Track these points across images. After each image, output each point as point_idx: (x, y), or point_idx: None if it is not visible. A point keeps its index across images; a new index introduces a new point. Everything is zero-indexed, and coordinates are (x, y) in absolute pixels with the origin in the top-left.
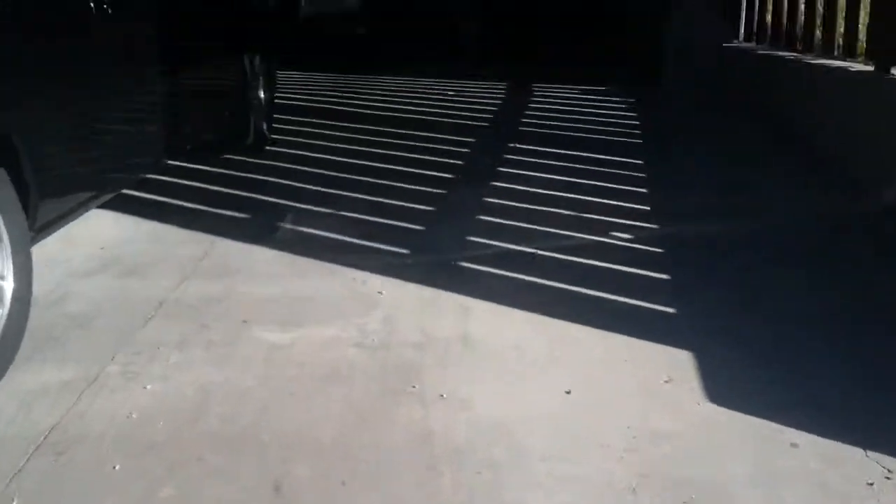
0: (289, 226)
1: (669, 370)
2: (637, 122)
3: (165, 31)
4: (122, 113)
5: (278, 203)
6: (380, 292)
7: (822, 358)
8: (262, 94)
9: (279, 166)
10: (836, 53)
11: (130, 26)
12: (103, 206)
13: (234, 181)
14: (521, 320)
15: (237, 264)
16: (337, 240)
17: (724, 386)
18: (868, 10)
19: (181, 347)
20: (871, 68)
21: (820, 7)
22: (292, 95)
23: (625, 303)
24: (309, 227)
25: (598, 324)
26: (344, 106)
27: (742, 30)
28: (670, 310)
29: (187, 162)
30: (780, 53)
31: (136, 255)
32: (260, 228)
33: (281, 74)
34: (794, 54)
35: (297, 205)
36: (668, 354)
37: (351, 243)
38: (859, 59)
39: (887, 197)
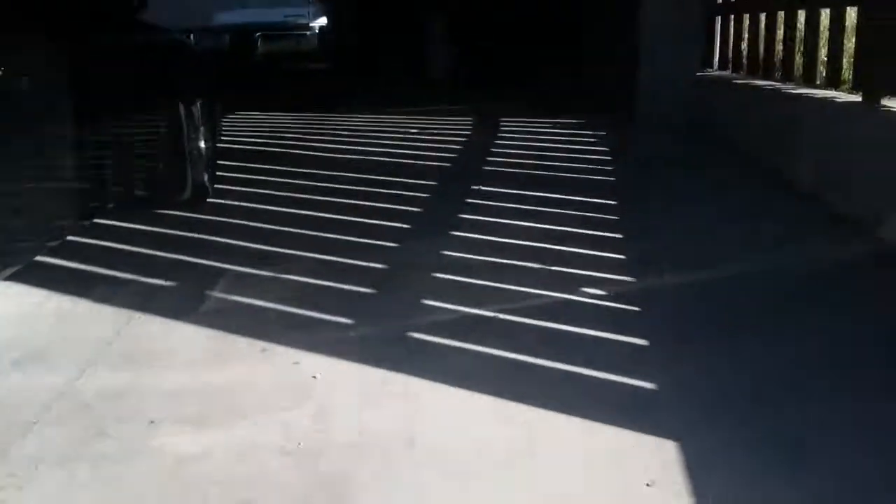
0: (220, 294)
1: (652, 468)
2: (609, 158)
3: (79, 83)
4: (24, 174)
5: (212, 266)
6: (314, 376)
7: (821, 437)
8: (202, 144)
9: (219, 221)
10: (817, 83)
11: (32, 80)
12: (8, 277)
13: (165, 241)
14: (477, 408)
15: (153, 346)
16: (272, 309)
17: (713, 485)
18: (854, 36)
19: (65, 464)
20: (858, 98)
21: (800, 34)
22: (245, 139)
23: (597, 378)
24: (243, 294)
25: (568, 407)
26: (299, 149)
27: (717, 57)
28: (651, 385)
29: (116, 220)
30: (758, 83)
31: (36, 339)
32: (187, 299)
33: (236, 116)
34: (773, 83)
35: (234, 267)
36: (650, 445)
37: (287, 313)
38: (843, 89)
39: (881, 235)
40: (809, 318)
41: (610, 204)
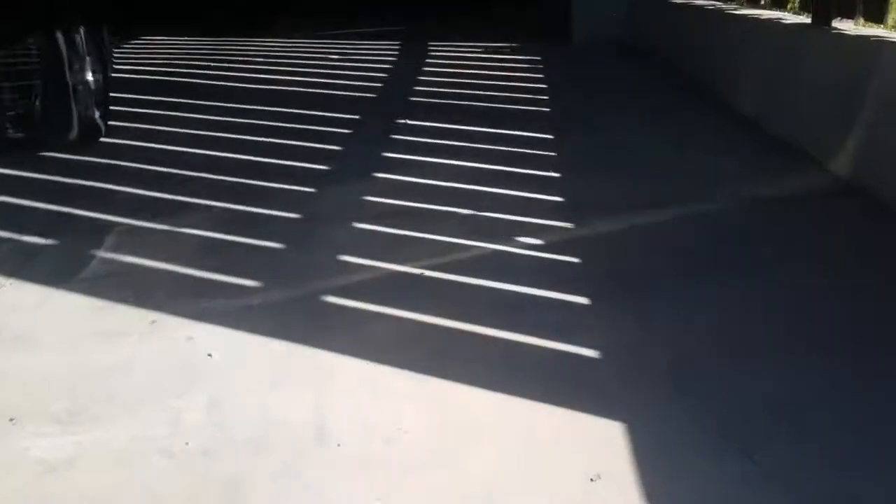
0: (107, 254)
1: (597, 457)
2: (545, 86)
3: None
4: None
5: (101, 220)
6: (210, 354)
7: (778, 416)
8: (89, 77)
9: (111, 165)
10: (762, 2)
11: None
12: None
13: (46, 191)
14: (398, 388)
15: (22, 321)
16: (166, 272)
17: (664, 478)
18: None
19: None
20: (807, 20)
21: None
22: (147, 68)
23: (534, 346)
24: (134, 253)
25: (501, 384)
26: (209, 79)
27: None
28: (595, 354)
29: None
30: (699, 2)
31: None
32: (68, 261)
33: (137, 42)
34: (714, 3)
35: (126, 220)
36: (595, 429)
37: (184, 276)
38: (790, 10)
39: (831, 168)
40: (759, 268)
41: (546, 138)
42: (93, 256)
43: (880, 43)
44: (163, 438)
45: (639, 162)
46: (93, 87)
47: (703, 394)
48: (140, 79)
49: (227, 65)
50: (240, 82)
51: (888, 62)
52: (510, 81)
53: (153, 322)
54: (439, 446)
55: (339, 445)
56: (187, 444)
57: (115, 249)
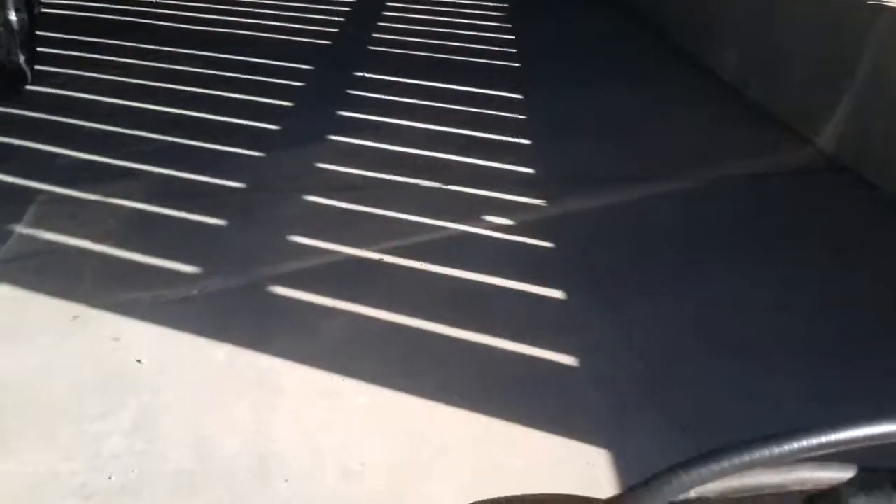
0: (27, 230)
1: (575, 490)
2: (513, 37)
3: None
4: None
5: (22, 186)
6: (139, 360)
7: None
8: (12, 16)
9: (37, 119)
10: None
11: None
12: None
13: None
14: (353, 404)
15: None
16: (92, 253)
17: None
18: None
19: None
20: None
21: None
22: (80, 5)
23: (505, 351)
24: (58, 229)
25: (466, 399)
26: (150, 18)
27: None
28: (571, 361)
29: None
30: None
31: None
32: None
33: None
34: None
35: (50, 187)
36: (573, 455)
37: (113, 258)
38: None
39: (818, 144)
40: (741, 255)
41: (516, 98)
42: (11, 232)
43: (880, 8)
44: (80, 472)
45: (613, 129)
46: (16, 27)
47: (691, 406)
48: (71, 16)
49: (171, 2)
50: (185, 23)
51: (886, 30)
52: (477, 31)
53: (75, 317)
54: (401, 483)
55: (286, 482)
56: (110, 478)
57: (36, 224)
